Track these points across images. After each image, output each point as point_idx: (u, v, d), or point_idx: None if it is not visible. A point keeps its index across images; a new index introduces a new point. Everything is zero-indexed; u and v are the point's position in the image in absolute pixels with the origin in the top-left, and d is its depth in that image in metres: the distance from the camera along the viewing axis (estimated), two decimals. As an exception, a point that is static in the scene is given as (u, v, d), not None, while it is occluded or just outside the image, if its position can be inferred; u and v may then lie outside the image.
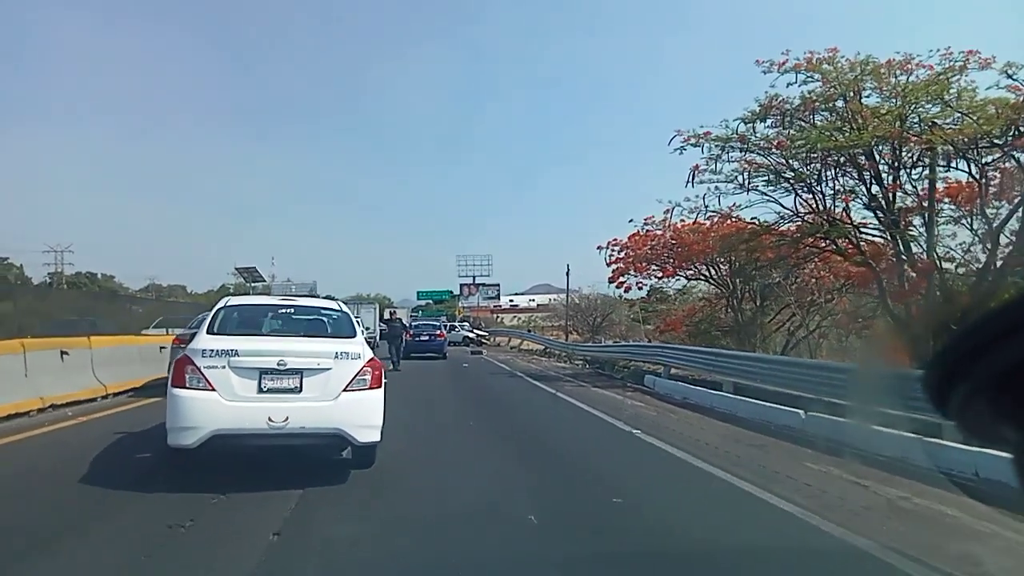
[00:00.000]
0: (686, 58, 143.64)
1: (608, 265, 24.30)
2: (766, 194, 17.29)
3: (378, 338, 22.71)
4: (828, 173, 16.00)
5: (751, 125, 16.10)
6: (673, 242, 22.90)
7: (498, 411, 11.43)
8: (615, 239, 24.56)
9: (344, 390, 5.97)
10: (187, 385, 5.67)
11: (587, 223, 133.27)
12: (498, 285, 75.09)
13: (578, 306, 41.00)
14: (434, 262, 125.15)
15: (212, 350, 5.81)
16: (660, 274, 23.68)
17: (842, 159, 15.34)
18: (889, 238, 15.55)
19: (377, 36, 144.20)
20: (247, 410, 5.69)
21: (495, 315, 72.82)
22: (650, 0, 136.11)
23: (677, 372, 15.27)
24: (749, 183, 17.18)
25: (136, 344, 13.43)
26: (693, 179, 17.56)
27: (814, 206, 16.46)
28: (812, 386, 9.93)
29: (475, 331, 44.03)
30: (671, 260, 23.53)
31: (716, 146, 16.63)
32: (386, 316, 20.16)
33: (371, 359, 6.32)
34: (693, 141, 16.93)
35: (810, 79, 15.46)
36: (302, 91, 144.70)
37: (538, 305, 73.59)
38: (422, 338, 23.36)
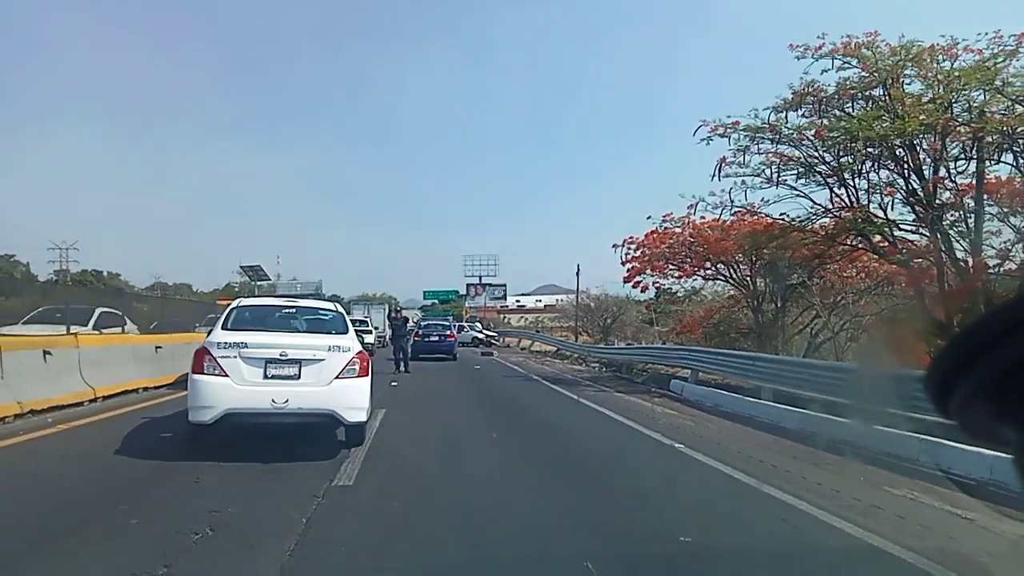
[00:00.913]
0: (703, 52, 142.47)
1: (623, 264, 23.33)
2: (795, 188, 16.30)
3: (387, 338, 22.09)
4: (863, 166, 14.98)
5: (783, 114, 15.08)
6: (692, 240, 21.88)
7: (521, 420, 10.40)
8: (631, 237, 23.48)
9: (336, 377, 6.89)
10: (205, 371, 6.63)
11: (595, 223, 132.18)
12: (504, 285, 74.21)
13: (588, 307, 39.88)
14: (440, 262, 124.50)
15: (226, 342, 6.80)
16: (678, 273, 22.55)
17: (880, 151, 14.31)
18: (929, 235, 14.54)
19: (382, 36, 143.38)
20: (254, 393, 6.62)
21: (502, 315, 71.83)
22: None
23: (704, 377, 14.26)
24: (778, 176, 16.19)
25: (130, 343, 12.40)
26: (719, 172, 16.55)
27: (848, 201, 15.45)
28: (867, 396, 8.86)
29: (485, 332, 42.80)
30: (689, 259, 22.52)
31: (745, 136, 15.61)
32: (391, 313, 18.65)
33: (359, 352, 7.21)
34: (720, 131, 15.93)
35: (847, 65, 14.47)
36: (308, 91, 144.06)
37: (545, 306, 72.64)
38: (432, 338, 22.42)
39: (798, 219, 16.32)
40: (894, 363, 7.42)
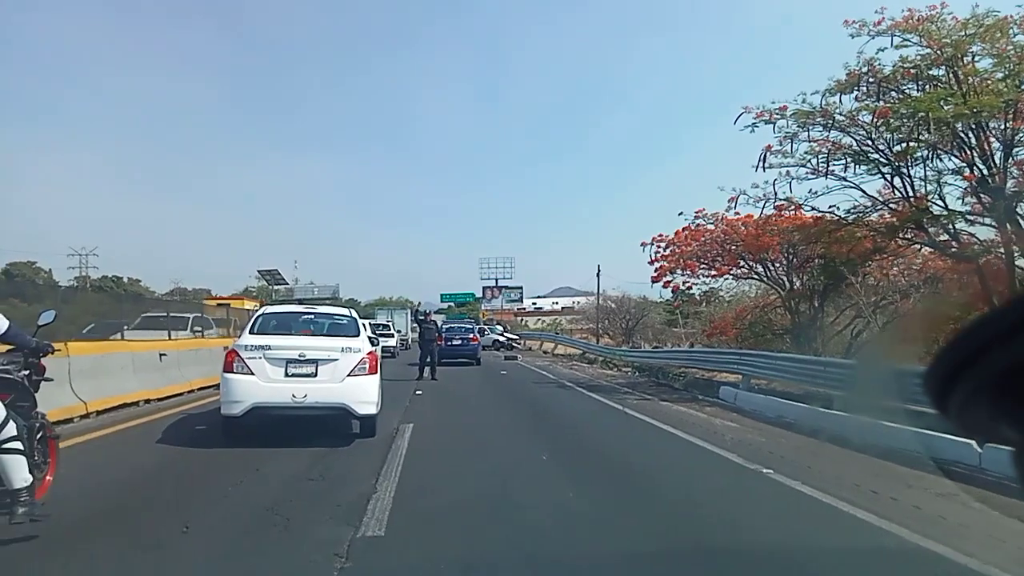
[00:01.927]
0: (719, 51, 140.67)
1: (651, 263, 21.97)
2: (845, 179, 14.88)
3: (409, 341, 21.33)
4: (925, 152, 13.55)
5: (837, 97, 13.67)
6: (725, 236, 20.47)
7: (569, 438, 8.96)
8: (660, 235, 22.17)
9: (348, 375, 7.58)
10: (234, 371, 7.40)
11: (611, 226, 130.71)
12: (521, 288, 73.02)
13: (609, 308, 38.49)
14: (456, 265, 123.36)
15: (252, 345, 7.57)
16: (712, 272, 21.14)
17: (944, 134, 12.86)
18: (997, 228, 13.08)
19: (399, 45, 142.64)
20: (277, 389, 7.36)
21: (518, 318, 70.51)
22: None
23: (753, 383, 12.89)
24: (828, 166, 14.78)
25: (129, 351, 11.17)
26: (764, 161, 15.18)
27: (904, 191, 14.03)
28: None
29: (506, 334, 41.25)
30: (720, 257, 21.10)
31: (794, 122, 14.23)
32: (420, 316, 17.24)
33: (370, 352, 7.91)
34: (765, 118, 14.56)
35: (907, 43, 13.06)
36: (327, 100, 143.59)
37: (563, 308, 71.27)
38: (454, 342, 21.19)
39: (851, 211, 14.94)
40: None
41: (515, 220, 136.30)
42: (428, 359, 16.29)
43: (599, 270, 39.83)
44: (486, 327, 42.19)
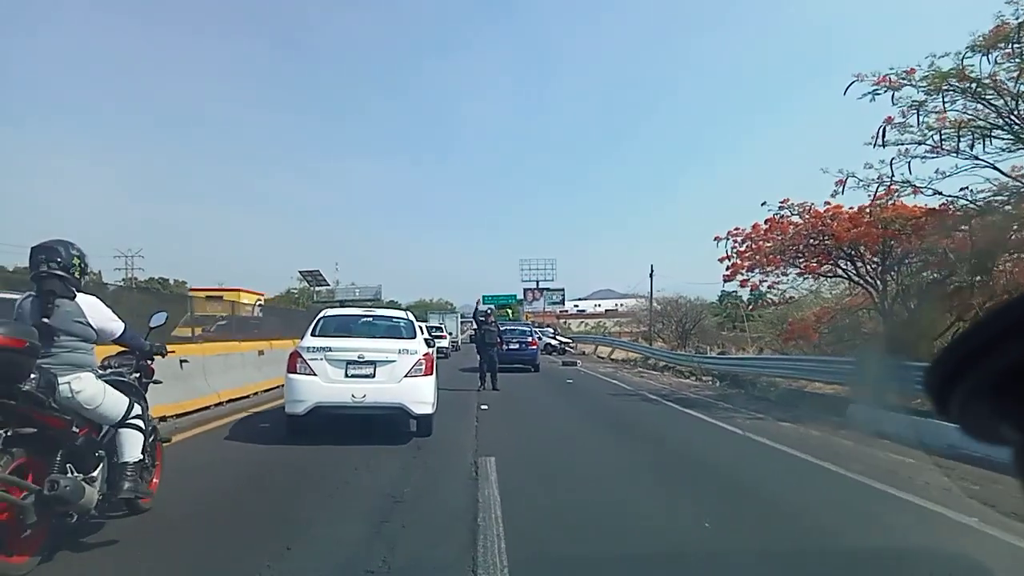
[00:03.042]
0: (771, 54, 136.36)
1: (723, 260, 19.58)
2: (977, 157, 12.39)
3: (459, 343, 19.87)
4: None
5: (981, 56, 11.19)
6: (814, 229, 17.93)
7: (711, 482, 6.40)
8: (737, 228, 19.78)
9: (405, 376, 7.73)
10: (297, 371, 7.67)
11: (653, 229, 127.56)
12: (563, 290, 70.95)
13: (658, 311, 35.93)
14: (497, 267, 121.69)
15: (314, 347, 7.83)
16: (799, 270, 18.65)
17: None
18: None
19: (445, 51, 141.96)
20: (338, 389, 7.60)
21: (561, 320, 68.20)
22: None
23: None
24: (957, 141, 12.30)
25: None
26: (882, 137, 12.76)
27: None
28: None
29: (558, 337, 38.49)
30: (804, 253, 18.56)
31: (925, 87, 11.78)
32: (480, 316, 14.84)
33: (426, 353, 8.03)
34: (886, 85, 12.14)
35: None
36: (374, 107, 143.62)
37: (606, 311, 68.80)
38: (511, 346, 18.89)
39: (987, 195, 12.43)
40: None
41: (555, 222, 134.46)
42: (487, 366, 14.20)
43: (652, 270, 37.30)
44: (537, 330, 39.82)
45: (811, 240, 18.11)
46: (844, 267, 18.51)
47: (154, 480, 4.76)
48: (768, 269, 18.98)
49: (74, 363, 3.93)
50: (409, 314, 9.95)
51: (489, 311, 15.02)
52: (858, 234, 16.84)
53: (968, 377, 0.66)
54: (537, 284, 69.60)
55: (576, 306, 76.81)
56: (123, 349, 4.63)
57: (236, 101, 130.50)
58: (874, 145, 12.74)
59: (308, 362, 7.62)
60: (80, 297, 4.02)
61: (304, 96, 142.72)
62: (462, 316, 41.08)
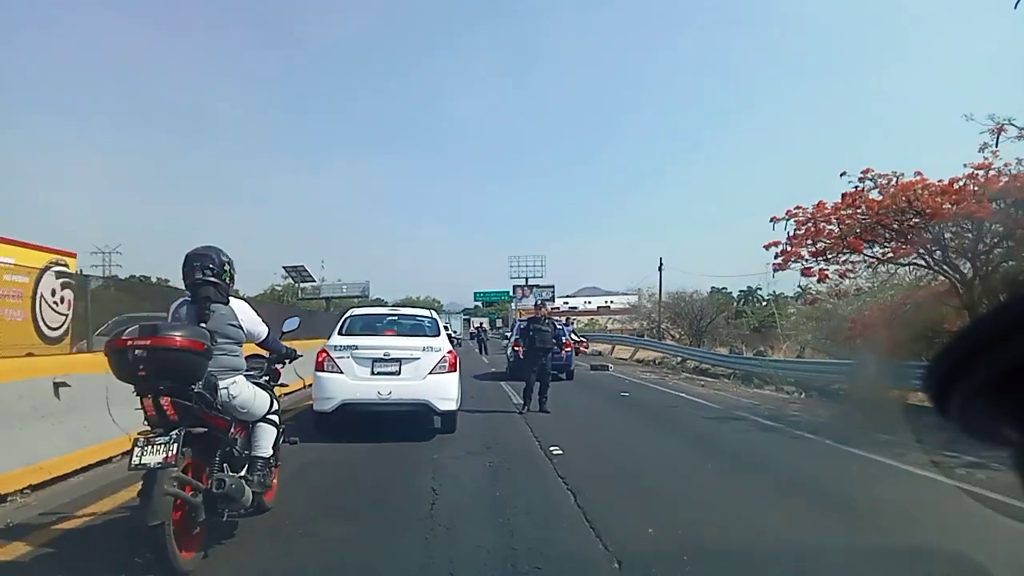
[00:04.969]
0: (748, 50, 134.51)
1: (768, 247, 16.15)
2: None
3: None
4: None
5: None
6: (909, 206, 14.45)
7: None
8: (798, 207, 16.34)
9: (430, 373, 7.60)
10: (325, 369, 7.56)
11: (638, 228, 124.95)
12: (553, 287, 68.20)
13: (679, 306, 32.44)
14: (485, 264, 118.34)
15: (341, 345, 7.73)
16: (888, 252, 15.22)
17: None
18: None
19: (430, 50, 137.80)
20: (364, 386, 7.47)
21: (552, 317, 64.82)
22: None
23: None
24: None
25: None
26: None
27: None
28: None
29: (574, 336, 33.56)
30: (887, 235, 15.14)
31: None
32: (520, 321, 10.74)
33: (449, 350, 7.92)
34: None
35: None
36: (362, 104, 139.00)
37: (598, 307, 65.54)
38: (539, 351, 15.12)
39: None
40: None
41: (541, 220, 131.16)
42: (539, 377, 10.27)
43: (661, 262, 33.79)
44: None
45: (896, 218, 14.71)
46: (931, 251, 15.09)
47: (274, 481, 4.57)
48: (841, 255, 15.61)
49: (230, 366, 3.97)
50: (433, 312, 9.82)
51: (541, 302, 11.22)
52: (965, 210, 13.43)
53: (968, 377, 0.64)
54: (526, 281, 67.91)
55: (566, 303, 73.67)
56: (254, 352, 4.58)
57: (220, 97, 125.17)
58: None
59: (335, 360, 7.56)
60: (232, 301, 4.09)
61: (289, 92, 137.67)
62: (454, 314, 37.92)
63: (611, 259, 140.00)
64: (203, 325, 3.79)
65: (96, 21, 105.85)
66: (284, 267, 51.06)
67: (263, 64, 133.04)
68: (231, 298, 4.07)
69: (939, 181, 14.20)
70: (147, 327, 3.36)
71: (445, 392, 7.61)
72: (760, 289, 44.89)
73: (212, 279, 3.91)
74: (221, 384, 3.76)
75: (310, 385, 9.37)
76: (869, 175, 14.86)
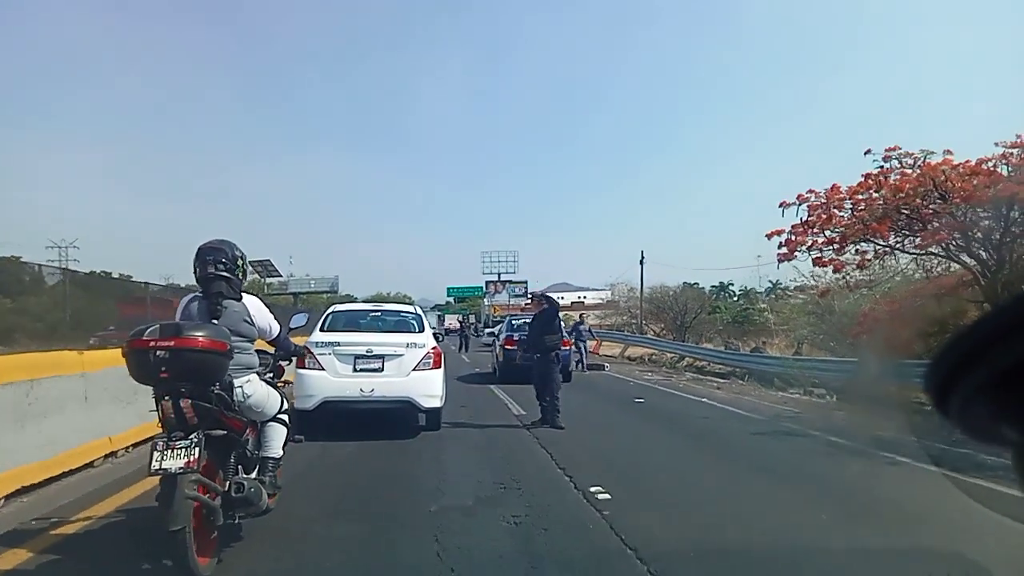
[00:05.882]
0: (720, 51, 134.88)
1: (771, 236, 14.60)
2: None
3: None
4: None
5: None
6: (922, 188, 13.02)
7: None
8: (811, 190, 14.75)
9: (413, 370, 7.38)
10: (306, 366, 7.22)
11: (609, 225, 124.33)
12: (525, 282, 67.60)
13: (664, 301, 30.95)
14: (457, 260, 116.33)
15: (323, 342, 7.46)
16: (917, 239, 13.72)
17: None
18: None
19: (398, 45, 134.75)
20: (346, 383, 7.23)
21: (525, 312, 63.26)
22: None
23: None
24: None
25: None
26: None
27: None
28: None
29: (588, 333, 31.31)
30: (904, 220, 13.70)
31: None
32: (544, 310, 8.58)
33: (433, 347, 7.69)
34: None
35: None
36: (325, 99, 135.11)
37: (572, 303, 64.11)
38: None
39: None
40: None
41: (513, 216, 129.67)
42: (546, 387, 8.34)
43: (643, 257, 32.30)
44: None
45: (922, 202, 13.28)
46: (955, 238, 13.66)
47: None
48: (863, 242, 14.12)
49: (243, 364, 3.77)
50: (417, 308, 9.55)
51: (544, 297, 9.10)
52: (1005, 191, 12.04)
53: (968, 376, 0.63)
54: (499, 276, 66.70)
55: (541, 298, 72.21)
56: (259, 347, 4.22)
57: (184, 91, 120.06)
58: None
59: (317, 357, 7.28)
60: (245, 297, 3.90)
61: (254, 85, 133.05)
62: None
63: (584, 255, 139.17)
64: (215, 322, 3.63)
65: (40, 6, 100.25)
66: (250, 262, 48.28)
67: (224, 53, 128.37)
68: (243, 294, 3.90)
69: (966, 162, 12.84)
70: (169, 327, 3.24)
71: (429, 389, 7.40)
72: (732, 285, 43.96)
73: (224, 273, 3.76)
74: (236, 383, 3.62)
75: (289, 382, 8.04)
76: (895, 154, 13.43)
